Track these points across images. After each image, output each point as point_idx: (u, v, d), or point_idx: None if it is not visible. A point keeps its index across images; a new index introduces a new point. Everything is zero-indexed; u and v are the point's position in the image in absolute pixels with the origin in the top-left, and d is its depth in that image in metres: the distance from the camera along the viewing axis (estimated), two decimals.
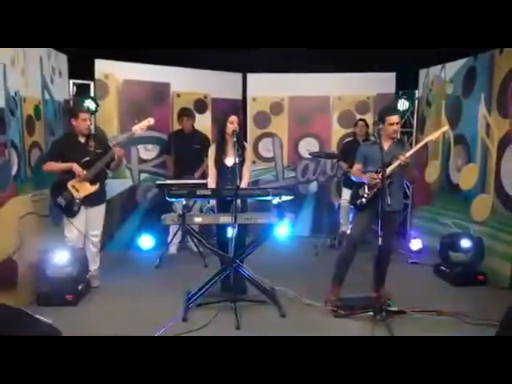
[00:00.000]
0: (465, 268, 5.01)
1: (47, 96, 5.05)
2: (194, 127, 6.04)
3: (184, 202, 4.17)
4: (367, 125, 6.24)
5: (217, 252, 4.48)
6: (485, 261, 5.01)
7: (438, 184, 6.22)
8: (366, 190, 4.24)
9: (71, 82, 5.87)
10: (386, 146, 4.28)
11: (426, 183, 6.40)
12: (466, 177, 5.57)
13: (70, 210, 4.56)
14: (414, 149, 4.25)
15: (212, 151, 4.60)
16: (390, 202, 3.80)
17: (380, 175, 4.00)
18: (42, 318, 1.98)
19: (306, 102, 7.03)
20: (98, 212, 4.78)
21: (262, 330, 3.86)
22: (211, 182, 4.58)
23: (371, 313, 4.01)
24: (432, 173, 6.31)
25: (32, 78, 4.67)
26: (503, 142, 4.93)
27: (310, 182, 7.19)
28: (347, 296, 4.35)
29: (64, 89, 5.66)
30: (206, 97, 6.72)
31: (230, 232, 4.12)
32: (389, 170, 4.08)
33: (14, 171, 4.24)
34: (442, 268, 5.22)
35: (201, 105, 6.67)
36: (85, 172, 4.48)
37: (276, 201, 4.21)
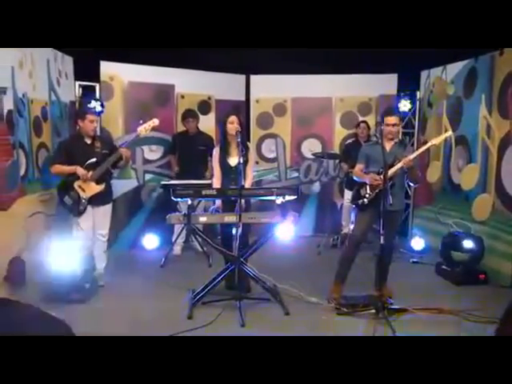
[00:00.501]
0: (466, 267, 5.06)
1: (54, 98, 5.14)
2: (198, 128, 6.11)
3: (189, 202, 4.23)
4: (369, 126, 6.29)
5: (221, 251, 4.54)
6: (486, 260, 5.07)
7: (439, 184, 6.27)
8: (368, 191, 4.31)
9: (77, 83, 5.95)
10: (387, 146, 4.35)
11: (427, 183, 6.46)
12: (467, 177, 5.63)
13: (76, 210, 4.63)
14: (417, 152, 4.29)
15: (216, 152, 4.67)
16: (391, 202, 3.86)
17: (382, 176, 4.06)
18: (53, 314, 2.02)
19: (309, 104, 7.09)
20: (105, 211, 4.85)
21: (265, 327, 3.93)
22: (216, 181, 4.65)
23: (373, 311, 4.08)
24: (434, 173, 6.37)
25: (39, 81, 4.76)
26: (504, 142, 4.99)
27: (313, 182, 7.26)
28: (350, 294, 4.42)
29: (70, 90, 5.75)
30: (209, 98, 6.79)
31: (234, 231, 4.19)
32: (391, 171, 4.15)
33: (22, 171, 4.32)
34: (444, 267, 5.28)
35: (205, 106, 6.74)
36: (90, 173, 4.55)
37: (280, 200, 4.27)
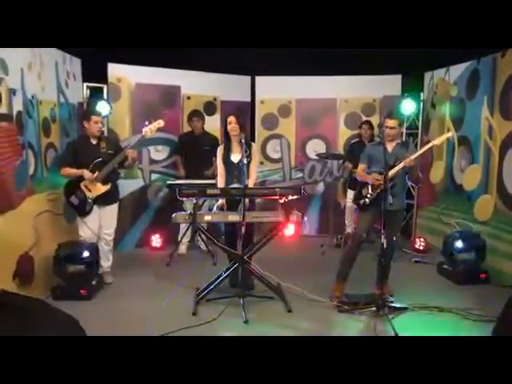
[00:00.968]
0: (467, 267, 5.10)
1: (62, 99, 5.24)
2: (203, 129, 6.20)
3: (194, 201, 4.31)
4: (371, 127, 6.35)
5: (225, 249, 4.62)
6: (487, 260, 5.11)
7: (442, 184, 6.32)
8: (370, 190, 4.38)
9: (85, 85, 6.05)
10: (389, 147, 4.43)
11: (431, 184, 6.51)
12: (470, 177, 5.67)
13: (82, 209, 4.73)
14: (419, 152, 4.35)
15: (220, 150, 4.81)
16: (391, 202, 3.92)
17: (383, 176, 4.12)
18: (61, 309, 2.10)
19: (313, 105, 7.16)
20: (111, 211, 4.94)
21: (268, 324, 4.01)
22: (220, 179, 4.76)
23: (374, 308, 4.15)
24: (437, 173, 6.42)
25: (48, 82, 4.85)
26: (505, 143, 5.03)
27: (317, 182, 7.33)
28: (351, 293, 4.48)
29: (78, 92, 5.85)
30: (215, 99, 6.87)
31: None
32: (393, 172, 4.22)
33: (30, 171, 4.42)
34: (445, 267, 5.32)
35: (210, 107, 6.82)
36: (96, 174, 4.65)
37: (283, 200, 4.34)
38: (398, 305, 4.28)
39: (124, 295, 4.70)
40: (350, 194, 6.13)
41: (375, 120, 6.75)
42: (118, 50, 3.71)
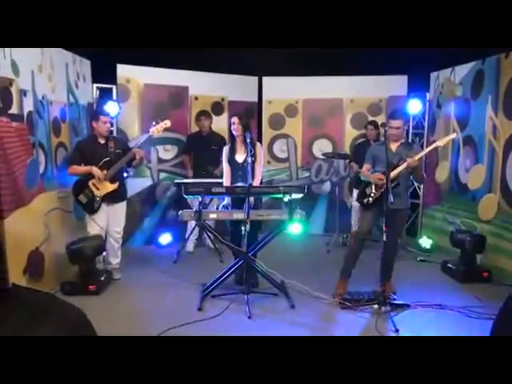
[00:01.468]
0: (470, 265, 5.15)
1: (72, 99, 5.36)
2: (211, 128, 6.29)
3: (200, 199, 4.41)
4: (376, 127, 6.38)
5: (230, 246, 4.71)
6: (490, 258, 5.15)
7: (447, 184, 6.35)
8: (373, 190, 4.45)
9: (94, 86, 6.17)
10: (393, 147, 4.48)
11: (436, 183, 6.54)
12: (474, 177, 5.71)
13: (90, 207, 4.84)
14: (423, 153, 4.41)
15: (225, 150, 4.90)
16: (392, 200, 3.98)
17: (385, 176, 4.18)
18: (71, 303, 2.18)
19: (320, 105, 7.23)
20: (119, 209, 5.04)
21: (272, 319, 4.09)
22: (225, 179, 4.85)
23: (376, 305, 4.22)
24: (442, 173, 6.45)
25: (58, 83, 4.97)
26: (509, 143, 5.06)
27: (324, 182, 7.39)
28: (354, 290, 4.55)
29: (88, 93, 5.97)
30: (223, 99, 6.96)
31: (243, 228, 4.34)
32: (396, 171, 4.28)
33: (41, 169, 4.54)
34: (449, 265, 5.37)
35: (218, 107, 6.91)
36: (104, 172, 4.76)
37: (287, 198, 4.42)
38: (399, 302, 4.34)
39: (132, 291, 4.80)
40: (356, 193, 6.18)
41: (381, 120, 6.78)
42: (127, 51, 3.80)
